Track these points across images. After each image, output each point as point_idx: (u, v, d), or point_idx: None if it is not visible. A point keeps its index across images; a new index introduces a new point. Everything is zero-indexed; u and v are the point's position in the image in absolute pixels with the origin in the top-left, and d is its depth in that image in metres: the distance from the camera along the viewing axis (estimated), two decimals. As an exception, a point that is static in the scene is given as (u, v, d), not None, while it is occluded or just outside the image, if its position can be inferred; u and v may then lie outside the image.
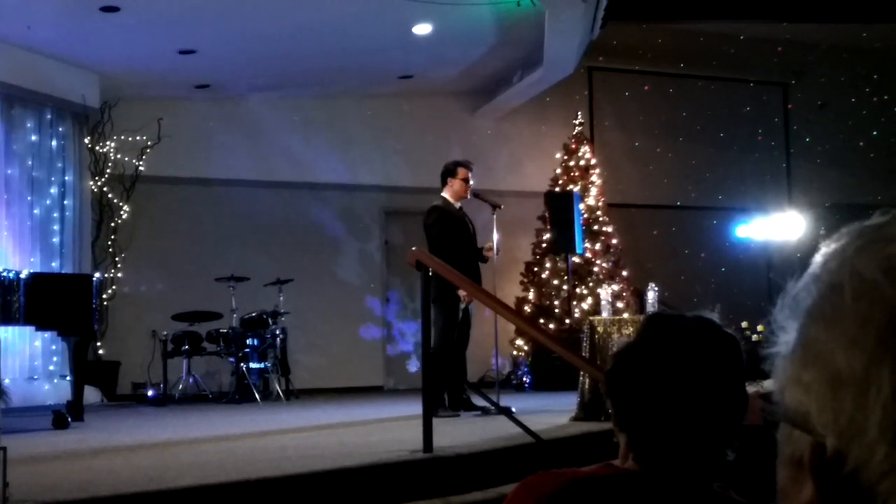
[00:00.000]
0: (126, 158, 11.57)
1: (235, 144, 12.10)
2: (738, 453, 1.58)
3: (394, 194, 12.68)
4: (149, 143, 11.63)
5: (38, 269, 9.61)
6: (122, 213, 11.55)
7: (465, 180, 7.96)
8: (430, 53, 11.03)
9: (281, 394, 10.32)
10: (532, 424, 5.39)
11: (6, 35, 9.57)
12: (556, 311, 11.95)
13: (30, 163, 10.48)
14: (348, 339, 12.40)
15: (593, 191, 12.50)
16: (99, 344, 11.04)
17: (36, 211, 10.47)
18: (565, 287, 11.69)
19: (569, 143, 12.71)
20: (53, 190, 10.70)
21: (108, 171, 11.51)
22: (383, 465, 4.77)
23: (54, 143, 10.78)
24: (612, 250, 12.45)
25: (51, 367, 10.28)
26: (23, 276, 7.41)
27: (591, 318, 7.69)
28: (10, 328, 8.81)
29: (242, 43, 10.21)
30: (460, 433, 5.97)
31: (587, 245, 11.83)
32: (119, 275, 11.50)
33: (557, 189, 12.11)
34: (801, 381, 0.68)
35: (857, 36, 13.32)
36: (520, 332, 11.72)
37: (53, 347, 10.17)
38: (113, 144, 11.52)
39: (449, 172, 8.02)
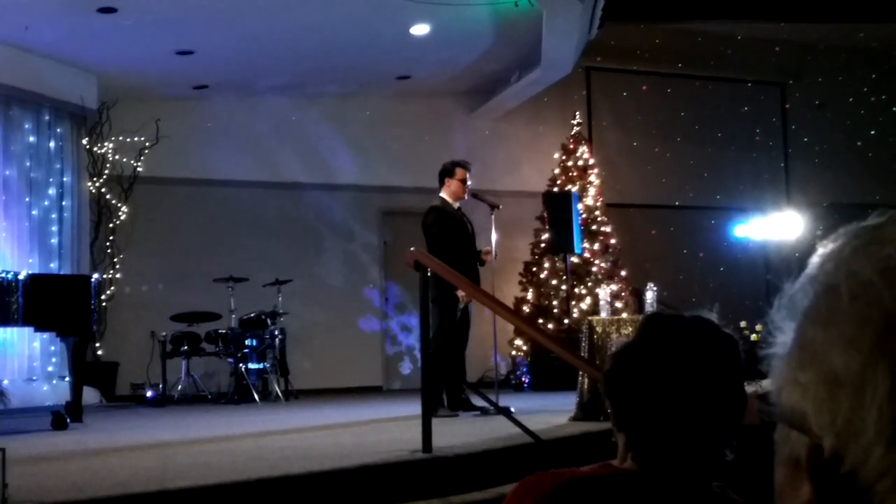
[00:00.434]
0: (124, 159, 11.57)
1: (233, 145, 12.10)
2: (736, 453, 1.58)
3: (392, 195, 12.68)
4: (147, 143, 11.62)
5: (36, 270, 9.61)
6: (120, 213, 11.54)
7: (463, 181, 7.95)
8: (428, 54, 11.03)
9: (280, 394, 10.32)
10: (531, 424, 5.39)
11: (4, 36, 9.57)
12: (555, 311, 11.95)
13: (28, 164, 10.47)
14: (347, 339, 12.40)
15: (591, 191, 12.51)
16: (98, 345, 11.03)
17: (34, 212, 10.47)
18: (564, 287, 11.70)
19: (567, 144, 12.71)
20: (52, 191, 10.69)
21: (107, 171, 11.50)
22: (382, 465, 4.77)
23: (52, 144, 10.78)
24: (610, 250, 12.46)
25: (49, 368, 10.28)
26: (21, 277, 7.41)
27: (589, 317, 7.69)
28: (8, 329, 8.82)
29: (240, 44, 10.21)
30: (459, 433, 5.96)
31: (586, 245, 11.83)
32: (118, 276, 11.49)
33: (556, 189, 12.12)
34: (798, 382, 0.68)
35: (854, 36, 13.33)
36: (519, 333, 11.73)
37: (52, 348, 10.17)
38: (111, 145, 11.51)
39: (446, 173, 8.02)
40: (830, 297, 0.67)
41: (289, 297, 11.03)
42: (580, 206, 11.49)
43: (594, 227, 12.36)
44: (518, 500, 1.54)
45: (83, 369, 8.01)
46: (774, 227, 13.46)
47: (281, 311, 10.70)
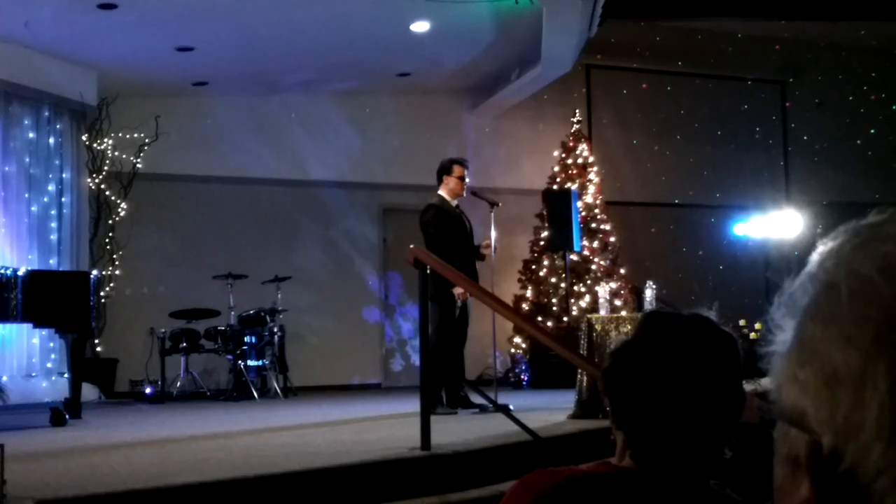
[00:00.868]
0: (124, 156, 11.56)
1: (233, 142, 12.09)
2: (735, 451, 1.58)
3: (392, 192, 12.68)
4: (146, 140, 11.62)
5: (35, 267, 9.61)
6: (119, 210, 11.54)
7: (461, 178, 7.95)
8: (429, 51, 11.03)
9: (279, 391, 10.33)
10: (530, 422, 5.39)
11: (4, 32, 9.56)
12: (554, 308, 11.96)
13: (27, 160, 10.47)
14: (346, 336, 12.40)
15: (591, 188, 12.51)
16: (97, 341, 11.03)
17: (33, 208, 10.46)
18: (563, 285, 11.71)
19: (567, 141, 12.71)
20: (51, 187, 10.69)
21: (106, 168, 11.50)
22: (381, 462, 4.77)
23: (52, 140, 10.77)
24: (609, 248, 12.46)
25: (48, 365, 10.28)
26: (20, 273, 7.41)
27: (588, 315, 7.69)
28: (7, 325, 8.81)
29: (240, 40, 10.21)
30: (458, 431, 5.96)
31: (585, 243, 11.84)
32: (117, 272, 11.49)
33: (555, 187, 12.12)
34: (797, 380, 0.68)
35: (855, 34, 13.34)
36: (518, 330, 11.73)
37: (51, 345, 10.17)
38: (111, 142, 11.51)
39: (444, 170, 8.02)
40: (830, 295, 0.67)
41: (288, 294, 11.03)
42: (580, 203, 11.49)
43: (594, 225, 12.36)
44: (516, 498, 1.53)
45: (82, 366, 8.00)
46: (774, 225, 13.46)
47: (280, 307, 10.71)
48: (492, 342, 8.55)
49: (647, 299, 7.47)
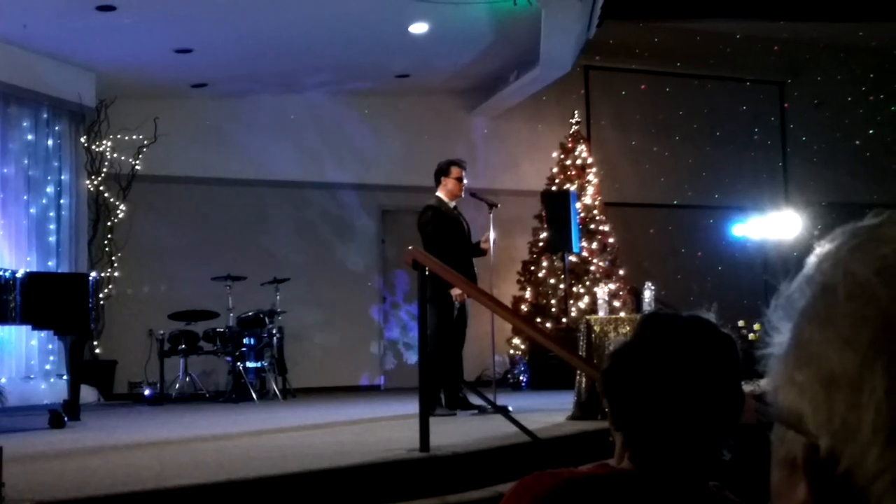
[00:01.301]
0: (122, 157, 11.56)
1: (232, 143, 12.10)
2: (733, 453, 1.58)
3: (390, 193, 12.68)
4: (145, 141, 11.62)
5: (34, 269, 9.61)
6: (118, 212, 11.53)
7: (459, 179, 7.95)
8: (427, 52, 11.03)
9: (278, 393, 10.32)
10: (528, 423, 5.39)
11: (2, 33, 9.56)
12: (553, 309, 11.95)
13: (26, 162, 10.47)
14: (345, 338, 12.40)
15: (590, 190, 12.51)
16: (95, 343, 11.03)
17: (32, 210, 10.46)
18: (562, 286, 11.70)
19: (565, 142, 12.71)
20: (50, 189, 10.69)
21: (105, 169, 11.50)
22: (380, 464, 4.77)
23: (50, 141, 10.77)
24: (608, 249, 12.46)
25: (47, 367, 10.27)
26: (19, 275, 7.40)
27: (587, 316, 7.69)
28: (6, 327, 8.81)
29: (239, 42, 10.21)
30: (457, 432, 5.97)
31: (584, 244, 11.84)
32: (115, 274, 11.49)
33: (554, 188, 12.12)
34: (794, 382, 0.68)
35: (853, 35, 13.34)
36: (516, 331, 11.72)
37: (50, 347, 10.16)
38: (109, 143, 11.50)
39: (442, 172, 8.02)
40: (827, 297, 0.67)
41: (287, 296, 11.02)
42: (578, 204, 11.49)
43: (592, 226, 12.36)
44: (515, 500, 1.53)
45: (81, 368, 8.00)
46: (772, 226, 13.46)
47: (279, 309, 10.70)
48: (491, 343, 8.55)
49: (646, 300, 7.47)
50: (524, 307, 12.12)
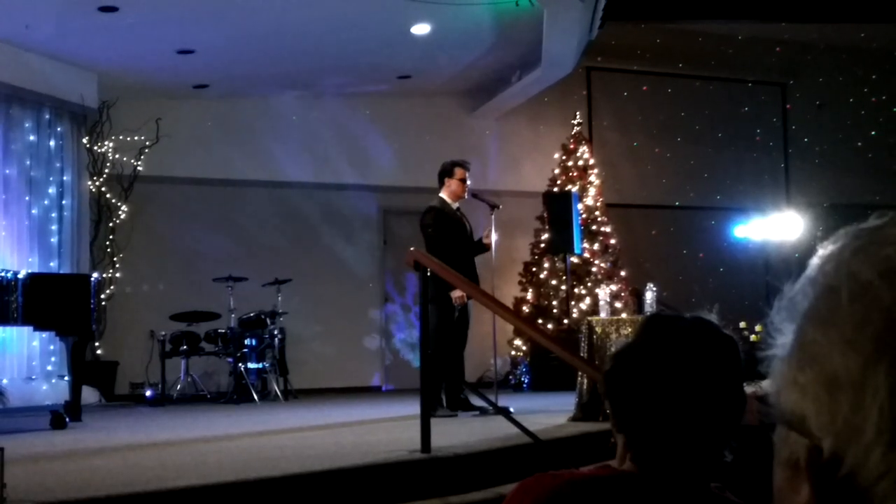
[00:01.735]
0: (124, 158, 11.57)
1: (233, 144, 12.10)
2: (735, 454, 1.58)
3: (392, 194, 12.68)
4: (147, 142, 11.62)
5: (36, 270, 9.61)
6: (120, 213, 11.54)
7: (463, 180, 7.95)
8: (429, 53, 11.03)
9: (279, 394, 10.32)
10: (530, 425, 5.38)
11: (4, 34, 9.57)
12: (555, 311, 11.95)
13: (28, 163, 10.47)
14: (346, 339, 12.40)
15: (592, 191, 12.51)
16: (97, 344, 11.03)
17: (34, 211, 10.47)
18: (563, 287, 11.70)
19: (567, 144, 12.71)
20: (51, 190, 10.69)
21: (107, 170, 11.50)
22: (381, 465, 4.77)
23: (52, 142, 10.78)
24: (610, 250, 12.46)
25: (49, 368, 10.28)
26: (21, 276, 7.41)
27: (589, 318, 7.69)
28: (8, 328, 8.81)
29: (241, 43, 10.21)
30: (458, 433, 5.96)
31: (585, 245, 11.83)
32: (117, 275, 11.49)
33: (556, 189, 12.12)
34: (797, 383, 0.68)
35: (855, 36, 13.33)
36: (518, 333, 11.72)
37: (51, 347, 10.17)
38: (111, 144, 11.51)
39: (446, 172, 8.02)
40: (830, 299, 0.67)
41: (288, 297, 11.03)
42: (580, 206, 11.49)
43: (594, 228, 12.36)
44: (517, 502, 1.53)
45: (82, 369, 8.00)
46: (774, 227, 13.45)
47: (280, 310, 10.70)
48: (492, 344, 8.55)
49: (648, 302, 7.47)
50: (525, 308, 12.12)
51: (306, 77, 11.69)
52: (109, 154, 11.52)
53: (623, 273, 12.36)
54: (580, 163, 12.57)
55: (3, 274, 7.30)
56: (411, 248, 5.73)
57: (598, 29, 10.21)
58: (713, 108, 14.25)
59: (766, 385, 0.73)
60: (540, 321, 11.55)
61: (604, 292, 8.02)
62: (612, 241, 12.51)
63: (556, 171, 12.61)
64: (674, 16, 11.87)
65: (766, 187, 14.40)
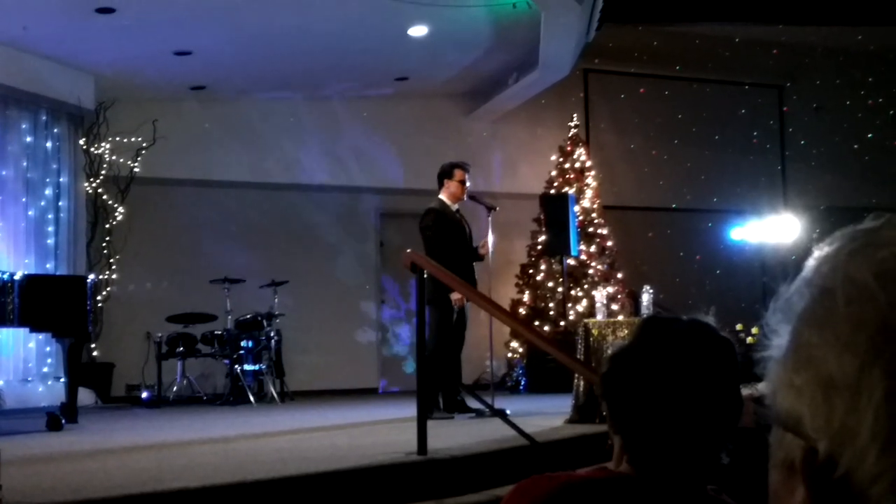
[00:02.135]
0: (121, 160, 11.56)
1: (231, 146, 12.10)
2: (732, 456, 1.58)
3: (389, 196, 12.68)
4: (144, 144, 11.62)
5: (32, 271, 9.59)
6: (116, 214, 11.53)
7: (462, 182, 7.94)
8: (426, 55, 11.04)
9: (276, 396, 10.31)
10: (526, 427, 5.39)
11: (1, 36, 9.56)
12: (551, 313, 11.95)
13: (24, 164, 10.47)
14: (343, 341, 12.40)
15: (588, 193, 12.52)
16: (93, 346, 11.02)
17: (30, 212, 10.46)
18: (560, 289, 11.70)
19: (564, 146, 12.72)
20: (48, 191, 10.68)
21: (103, 172, 11.49)
22: (378, 467, 4.77)
23: (49, 144, 10.77)
24: (607, 252, 12.47)
25: (45, 369, 10.27)
26: (17, 277, 7.39)
27: (585, 320, 7.69)
28: (4, 330, 8.79)
29: (238, 45, 10.21)
30: (455, 435, 5.96)
31: (582, 247, 11.84)
32: (114, 276, 11.49)
33: (552, 191, 12.13)
34: (793, 385, 0.68)
35: (852, 38, 13.35)
36: (515, 335, 11.73)
37: (48, 349, 10.16)
38: (108, 146, 11.50)
39: (445, 174, 8.01)
40: (826, 300, 0.67)
41: (285, 299, 11.02)
42: (577, 208, 11.49)
43: (591, 230, 12.37)
44: None
45: (79, 370, 7.98)
46: (771, 230, 13.47)
47: (277, 312, 10.69)
48: (489, 346, 8.55)
49: (644, 304, 7.47)
50: (522, 310, 12.12)
51: (303, 79, 11.69)
52: (106, 155, 11.51)
53: (620, 275, 12.36)
54: (577, 165, 12.58)
55: (-1, 275, 7.29)
56: (408, 250, 5.72)
57: (595, 31, 10.22)
58: (710, 111, 14.26)
59: (762, 387, 0.73)
60: (536, 323, 11.55)
61: (600, 294, 8.02)
62: (609, 244, 12.52)
63: (553, 173, 12.62)
64: (671, 18, 11.89)
65: (762, 190, 14.41)
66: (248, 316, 10.54)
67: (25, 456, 5.31)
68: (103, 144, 11.49)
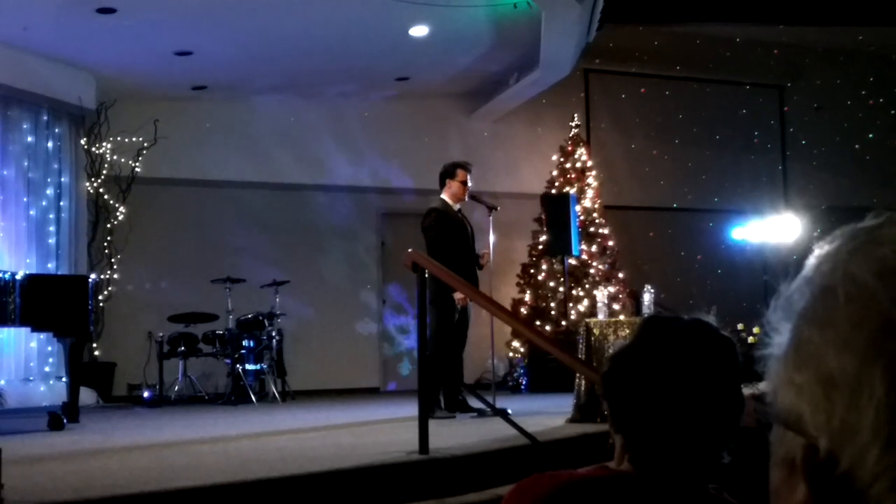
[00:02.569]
0: (122, 160, 11.56)
1: (232, 146, 12.10)
2: (733, 455, 1.58)
3: (390, 196, 12.68)
4: (145, 144, 11.62)
5: (34, 271, 9.60)
6: (118, 214, 11.53)
7: (464, 182, 7.94)
8: (427, 56, 11.04)
9: (277, 395, 10.32)
10: (528, 426, 5.39)
11: (3, 36, 9.57)
12: (553, 313, 11.95)
13: (26, 164, 10.47)
14: (345, 340, 12.40)
15: (589, 193, 12.51)
16: (95, 345, 11.02)
17: (32, 212, 10.46)
18: (561, 289, 11.70)
19: (565, 146, 12.71)
20: (49, 191, 10.69)
21: (105, 172, 11.50)
22: (379, 466, 4.77)
23: (50, 144, 10.77)
24: (608, 252, 12.46)
25: (46, 369, 10.27)
26: (19, 277, 7.40)
27: (587, 320, 7.69)
28: (5, 329, 8.81)
29: (239, 44, 10.21)
30: (456, 435, 5.96)
31: (583, 247, 11.84)
32: (115, 276, 11.49)
33: (554, 191, 12.12)
34: (794, 383, 0.68)
35: (852, 38, 13.35)
36: (516, 334, 11.72)
37: (49, 349, 10.16)
38: (109, 146, 11.51)
39: (447, 174, 8.01)
40: (827, 299, 0.67)
41: (286, 299, 11.02)
42: (578, 208, 11.49)
43: (592, 229, 12.36)
44: (514, 503, 1.54)
45: (80, 370, 7.99)
46: (772, 229, 13.46)
47: (278, 312, 10.70)
48: (490, 346, 8.55)
49: (646, 303, 7.47)
50: (524, 310, 12.12)
51: (304, 78, 11.69)
52: (107, 155, 11.52)
53: (621, 275, 12.36)
54: (578, 165, 12.58)
55: (0, 275, 7.29)
56: (409, 250, 5.73)
57: (595, 31, 10.22)
58: (711, 111, 14.26)
59: (763, 385, 0.73)
60: (538, 323, 11.55)
61: (602, 294, 8.02)
62: (610, 243, 12.51)
63: (554, 172, 12.62)
64: (672, 18, 11.89)
65: (763, 189, 14.41)
66: (250, 315, 10.54)
67: (27, 455, 5.32)
68: (104, 144, 11.49)
